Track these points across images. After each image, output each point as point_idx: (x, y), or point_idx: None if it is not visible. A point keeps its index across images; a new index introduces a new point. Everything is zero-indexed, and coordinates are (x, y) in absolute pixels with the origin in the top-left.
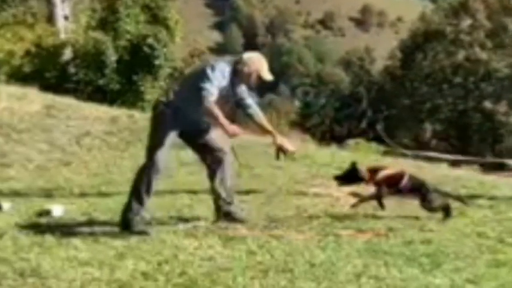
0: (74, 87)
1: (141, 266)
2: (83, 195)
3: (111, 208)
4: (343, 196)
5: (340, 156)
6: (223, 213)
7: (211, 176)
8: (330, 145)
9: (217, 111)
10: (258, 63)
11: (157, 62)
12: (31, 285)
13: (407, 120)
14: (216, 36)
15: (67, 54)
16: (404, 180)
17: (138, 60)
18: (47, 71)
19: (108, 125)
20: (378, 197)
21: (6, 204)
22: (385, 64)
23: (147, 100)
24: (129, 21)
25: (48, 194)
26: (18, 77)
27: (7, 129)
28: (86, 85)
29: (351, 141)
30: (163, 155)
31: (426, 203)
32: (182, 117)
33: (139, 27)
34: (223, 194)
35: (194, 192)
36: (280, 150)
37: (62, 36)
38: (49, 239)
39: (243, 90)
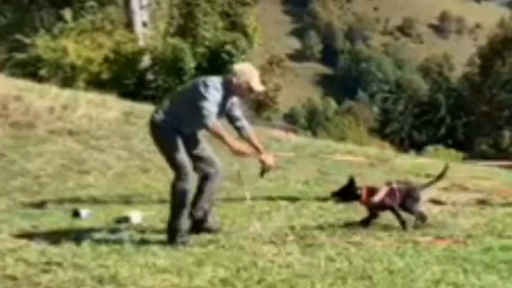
0: (152, 94)
1: (220, 272)
2: (161, 201)
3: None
4: (423, 203)
5: (419, 163)
6: (196, 221)
7: (200, 188)
8: (408, 152)
9: (223, 131)
10: (248, 73)
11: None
12: None
13: (486, 127)
14: (294, 43)
15: (145, 61)
16: (398, 193)
17: (216, 67)
18: (125, 78)
19: None
20: (367, 221)
21: (85, 211)
22: (463, 71)
23: None
24: (208, 28)
25: (126, 201)
26: (96, 83)
27: (85, 136)
28: (164, 92)
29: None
30: (184, 158)
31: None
32: (177, 132)
33: (218, 33)
34: (205, 206)
35: (273, 199)
36: (264, 166)
37: (141, 43)
38: (127, 245)
39: (233, 102)
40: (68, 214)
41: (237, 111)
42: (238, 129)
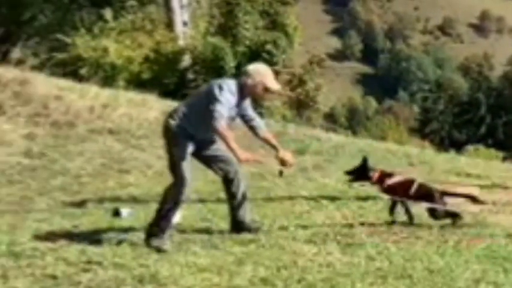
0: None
1: (260, 272)
2: (201, 201)
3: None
4: (463, 202)
5: (459, 162)
6: (237, 221)
7: (230, 193)
8: (448, 151)
9: (229, 135)
10: (262, 73)
11: (276, 68)
12: None
13: None
14: (334, 43)
15: (186, 60)
16: (414, 188)
17: None
18: (165, 77)
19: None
20: (392, 206)
21: (125, 211)
22: (504, 70)
23: (266, 107)
24: (248, 27)
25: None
26: (137, 83)
27: (126, 135)
28: None
29: (469, 147)
30: (188, 169)
31: (431, 211)
32: (191, 138)
33: (258, 33)
34: (244, 206)
35: (313, 198)
36: (283, 164)
37: (181, 42)
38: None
39: (247, 103)
40: (108, 213)
41: (250, 111)
42: (254, 129)
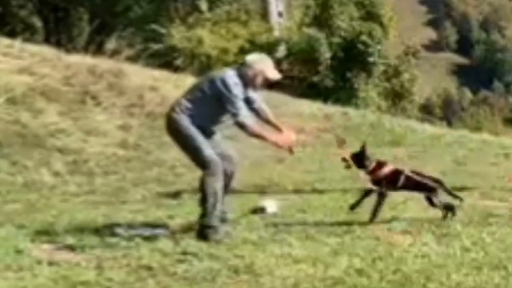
0: (288, 83)
1: (355, 263)
2: (297, 191)
3: (325, 205)
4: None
5: None
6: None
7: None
8: None
9: (262, 131)
10: (262, 63)
11: (371, 59)
12: (245, 282)
13: None
14: (430, 34)
15: (281, 51)
16: (401, 180)
17: (352, 57)
18: None
19: (322, 122)
20: (380, 199)
21: None
22: None
23: (361, 97)
24: (343, 18)
25: (262, 191)
26: None
27: None
28: (300, 82)
29: None
30: (208, 150)
31: (429, 200)
32: (197, 127)
33: (353, 24)
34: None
35: None
36: (288, 143)
37: (276, 33)
38: (263, 236)
39: (248, 91)
40: None
41: (252, 93)
42: (256, 111)
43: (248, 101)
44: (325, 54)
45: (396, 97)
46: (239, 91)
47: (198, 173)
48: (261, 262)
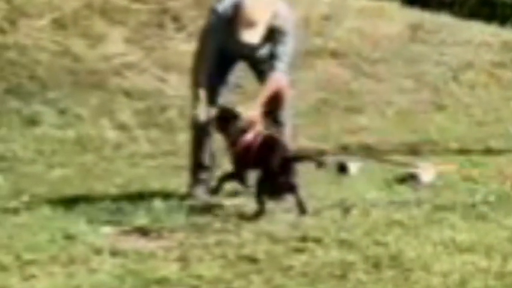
0: (450, 0)
1: None
2: (463, 152)
3: (501, 171)
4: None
5: None
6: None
7: None
8: None
9: None
10: None
11: None
12: (389, 279)
13: None
14: None
15: None
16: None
17: None
18: None
19: (498, 53)
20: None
21: (355, 165)
22: None
23: None
24: None
25: (413, 151)
26: None
27: (355, 58)
28: None
29: None
30: None
31: None
32: None
33: None
34: None
35: None
36: None
37: None
38: (415, 215)
39: None
40: (331, 169)
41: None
42: None
43: None
44: None
45: None
46: None
47: (322, 125)
48: (411, 251)
